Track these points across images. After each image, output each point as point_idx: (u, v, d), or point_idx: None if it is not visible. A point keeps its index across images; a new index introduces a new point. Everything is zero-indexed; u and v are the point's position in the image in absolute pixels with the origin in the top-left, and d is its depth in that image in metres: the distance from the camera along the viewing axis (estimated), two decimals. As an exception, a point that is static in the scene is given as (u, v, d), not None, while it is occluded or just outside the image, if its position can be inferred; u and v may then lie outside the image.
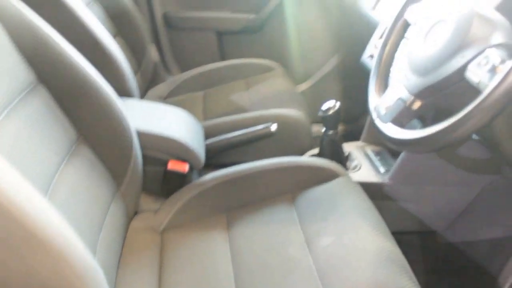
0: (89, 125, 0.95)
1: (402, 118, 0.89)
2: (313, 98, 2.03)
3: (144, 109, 1.27)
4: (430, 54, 0.84)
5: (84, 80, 0.93)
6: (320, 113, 1.34)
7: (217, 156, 1.43)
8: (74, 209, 0.84)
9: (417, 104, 0.87)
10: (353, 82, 2.14)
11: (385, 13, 1.57)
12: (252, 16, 2.04)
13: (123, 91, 1.34)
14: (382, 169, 1.41)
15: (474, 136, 1.01)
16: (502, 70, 0.68)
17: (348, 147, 1.51)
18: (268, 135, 1.40)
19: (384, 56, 1.05)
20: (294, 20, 2.08)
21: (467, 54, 0.77)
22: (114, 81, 1.21)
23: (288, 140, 1.49)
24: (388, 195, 1.35)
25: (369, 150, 1.52)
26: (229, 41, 2.12)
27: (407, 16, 1.01)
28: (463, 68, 0.77)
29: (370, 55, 1.42)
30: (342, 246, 0.96)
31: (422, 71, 0.85)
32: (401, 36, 1.05)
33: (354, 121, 2.09)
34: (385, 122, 0.91)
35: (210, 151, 1.36)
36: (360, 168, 1.41)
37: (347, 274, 0.89)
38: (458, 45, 0.79)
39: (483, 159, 1.23)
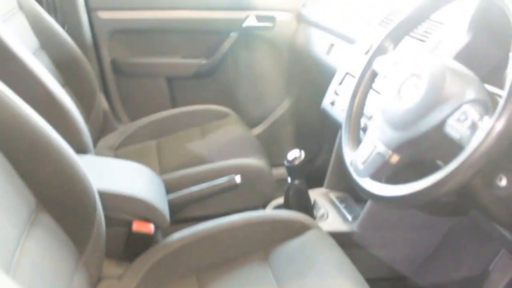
0: (49, 189, 0.87)
1: (381, 173, 0.87)
2: (268, 142, 2.02)
3: (102, 166, 1.19)
4: (406, 108, 0.83)
5: (42, 139, 0.85)
6: (285, 163, 1.32)
7: (179, 211, 1.36)
8: (38, 284, 0.75)
9: (395, 158, 0.85)
10: (306, 125, 2.16)
11: (340, 59, 1.60)
12: (203, 61, 2.01)
13: (79, 147, 1.25)
14: (349, 217, 1.40)
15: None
16: (483, 127, 0.69)
17: (313, 195, 1.49)
18: (233, 187, 1.35)
19: (354, 108, 1.04)
20: (245, 64, 2.08)
21: (445, 109, 0.78)
22: (69, 136, 1.13)
23: (252, 189, 1.45)
24: (357, 243, 1.33)
25: (334, 197, 1.50)
26: (180, 87, 2.07)
27: (376, 67, 1.01)
28: (442, 123, 0.77)
29: (331, 102, 1.42)
30: None
31: (400, 126, 0.84)
32: (369, 87, 1.05)
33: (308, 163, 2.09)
34: (363, 177, 0.89)
35: (173, 207, 1.29)
36: (327, 216, 1.39)
37: None
38: (435, 100, 0.79)
39: (450, 202, 1.24)
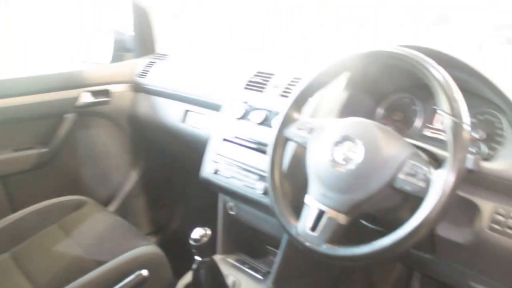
0: None
1: (336, 235, 0.92)
2: (127, 217, 1.91)
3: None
4: (349, 172, 0.90)
5: None
6: (192, 243, 1.27)
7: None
8: None
9: (346, 219, 0.92)
10: (158, 193, 2.12)
11: (203, 126, 1.62)
12: (41, 150, 1.81)
13: None
14: (259, 276, 1.41)
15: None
16: (436, 180, 0.80)
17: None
18: (143, 282, 1.25)
19: (277, 182, 1.07)
20: (87, 145, 1.95)
21: (391, 167, 0.87)
22: None
23: (156, 276, 1.36)
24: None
25: (233, 261, 1.50)
26: (18, 184, 1.81)
27: (289, 135, 1.07)
28: (393, 180, 0.86)
29: (214, 171, 1.42)
30: None
31: (346, 189, 0.91)
32: (283, 155, 1.09)
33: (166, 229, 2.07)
34: (321, 244, 0.93)
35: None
36: (240, 284, 1.38)
37: None
38: (378, 160, 0.88)
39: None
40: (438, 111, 0.87)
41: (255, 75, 1.46)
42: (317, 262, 1.41)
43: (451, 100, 0.82)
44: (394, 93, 1.28)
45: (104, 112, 1.94)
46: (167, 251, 1.44)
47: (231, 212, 1.52)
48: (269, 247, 1.59)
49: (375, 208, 0.93)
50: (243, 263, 1.49)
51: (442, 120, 0.84)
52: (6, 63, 2.10)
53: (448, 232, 0.99)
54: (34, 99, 1.76)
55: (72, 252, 1.42)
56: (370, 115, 1.29)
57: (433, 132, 1.19)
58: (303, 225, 0.97)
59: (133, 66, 1.99)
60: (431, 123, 1.19)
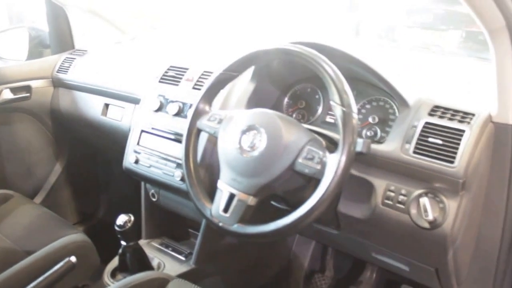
0: None
1: (246, 215, 1.04)
2: (54, 209, 1.95)
3: None
4: (254, 158, 1.02)
5: None
6: (117, 229, 1.36)
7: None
8: None
9: (255, 200, 1.03)
10: (84, 182, 2.17)
11: (125, 118, 1.70)
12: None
13: None
14: (181, 257, 1.52)
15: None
16: (330, 162, 0.93)
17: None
18: (71, 268, 1.32)
19: (192, 168, 1.17)
20: (9, 140, 1.96)
21: (291, 152, 0.99)
22: None
23: (83, 263, 1.43)
24: (200, 276, 1.47)
25: (157, 244, 1.60)
26: None
27: (201, 126, 1.17)
28: (292, 164, 0.99)
29: (135, 160, 1.50)
30: None
31: (253, 173, 1.02)
32: (197, 146, 1.20)
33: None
34: (233, 224, 1.05)
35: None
36: (164, 265, 1.48)
37: None
38: (279, 147, 1.00)
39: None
40: (330, 102, 0.99)
41: (169, 69, 1.54)
42: (236, 242, 1.54)
43: (341, 93, 0.96)
44: (298, 83, 1.41)
45: (25, 108, 1.96)
46: (94, 239, 1.52)
47: (153, 199, 1.61)
48: (191, 230, 1.69)
49: (282, 190, 1.05)
50: (167, 246, 1.59)
51: (334, 110, 0.97)
52: None
53: (349, 209, 1.14)
54: None
55: (0, 244, 1.46)
56: (277, 104, 1.41)
57: (333, 118, 1.33)
58: (217, 207, 1.07)
59: (52, 62, 2.02)
60: (332, 110, 1.34)
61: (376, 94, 1.25)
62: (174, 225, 1.66)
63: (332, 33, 2.88)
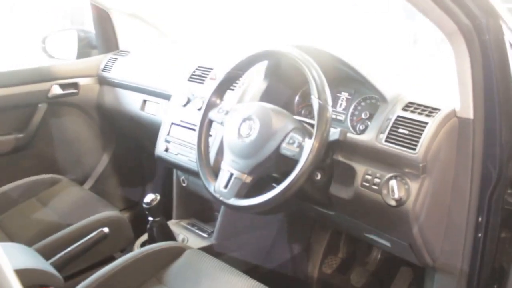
0: None
1: (242, 191, 1.23)
2: (103, 193, 2.19)
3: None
4: (249, 143, 1.22)
5: None
6: (145, 206, 1.58)
7: (67, 269, 1.48)
8: None
9: (249, 179, 1.23)
10: (129, 171, 2.40)
11: (158, 113, 1.91)
12: (19, 135, 2.08)
13: None
14: (204, 235, 1.72)
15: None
16: (307, 146, 1.11)
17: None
18: (104, 237, 1.54)
19: (202, 152, 1.37)
20: (59, 130, 2.22)
21: (277, 138, 1.19)
22: None
23: (116, 236, 1.65)
24: (218, 251, 1.66)
25: (185, 224, 1.81)
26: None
27: (212, 117, 1.37)
28: (278, 147, 1.18)
29: (165, 149, 1.72)
30: None
31: (248, 155, 1.22)
32: (208, 134, 1.40)
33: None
34: (230, 198, 1.24)
35: (59, 268, 1.42)
36: (187, 240, 1.69)
37: None
38: (268, 134, 1.20)
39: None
40: (311, 96, 1.17)
41: (197, 69, 1.75)
42: (255, 223, 1.73)
43: (319, 89, 1.14)
44: (306, 83, 1.58)
45: (74, 103, 2.22)
46: (140, 225, 1.73)
47: (183, 184, 1.82)
48: (217, 213, 1.89)
49: (276, 171, 1.24)
50: (193, 225, 1.80)
51: (313, 103, 1.15)
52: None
53: (337, 191, 1.31)
54: (9, 91, 2.03)
55: (46, 218, 1.71)
56: (289, 102, 1.59)
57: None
58: (219, 184, 1.28)
59: (98, 61, 2.27)
60: (335, 106, 1.50)
61: (370, 93, 1.40)
62: (202, 208, 1.86)
63: (389, 42, 3.00)
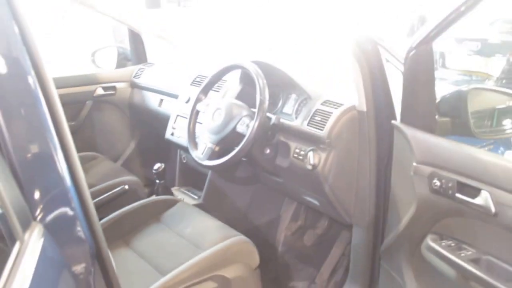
0: None
1: (212, 156, 1.85)
2: (131, 169, 2.84)
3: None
4: (218, 124, 1.83)
5: None
6: (153, 171, 2.22)
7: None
8: None
9: (217, 148, 1.85)
10: (151, 153, 3.07)
11: (170, 108, 2.56)
12: (71, 123, 2.79)
13: None
14: (196, 197, 2.35)
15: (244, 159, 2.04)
16: (251, 125, 1.72)
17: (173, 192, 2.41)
18: (124, 192, 2.18)
19: (190, 131, 2.00)
20: (100, 121, 2.92)
21: (234, 121, 1.80)
22: None
23: (131, 195, 2.28)
24: (204, 209, 2.28)
25: (183, 189, 2.45)
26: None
27: (198, 108, 2.01)
28: (235, 127, 1.79)
29: (172, 133, 2.37)
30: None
31: (216, 132, 1.84)
32: (196, 120, 2.03)
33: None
34: (204, 160, 1.86)
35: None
36: (183, 200, 2.31)
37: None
38: (229, 118, 1.81)
39: (249, 175, 2.29)
40: (256, 94, 1.77)
41: (197, 77, 2.39)
42: (234, 192, 2.34)
43: (261, 90, 1.73)
44: (270, 87, 2.19)
45: (111, 101, 2.92)
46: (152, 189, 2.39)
47: (184, 161, 2.46)
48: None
49: (232, 143, 1.85)
50: (188, 190, 2.44)
51: (257, 98, 1.75)
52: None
53: (280, 161, 1.89)
54: (66, 91, 2.75)
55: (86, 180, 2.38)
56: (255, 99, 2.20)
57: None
58: (198, 152, 1.90)
59: (131, 70, 2.97)
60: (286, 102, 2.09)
61: (305, 94, 1.99)
62: (196, 179, 2.49)
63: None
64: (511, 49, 5.84)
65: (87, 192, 1.05)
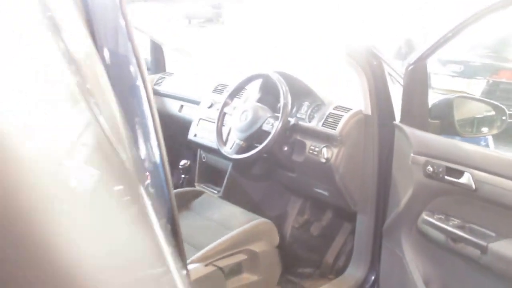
0: None
1: (239, 151, 2.18)
2: None
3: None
4: (245, 123, 2.16)
5: None
6: (180, 166, 2.53)
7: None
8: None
9: (244, 144, 2.18)
10: (174, 153, 3.36)
11: (191, 113, 2.88)
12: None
13: None
14: (215, 191, 2.66)
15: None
16: (275, 125, 2.06)
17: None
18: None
19: (218, 131, 2.33)
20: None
21: (260, 121, 2.13)
22: None
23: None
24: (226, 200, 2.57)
25: (203, 186, 2.75)
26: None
27: (226, 111, 2.33)
28: (261, 125, 2.12)
29: (194, 135, 2.68)
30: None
31: (244, 130, 2.17)
32: (223, 121, 2.35)
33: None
34: (232, 154, 2.19)
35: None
36: (204, 193, 2.62)
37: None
38: (256, 119, 2.14)
39: (263, 172, 2.60)
40: (280, 98, 2.10)
41: (218, 85, 2.72)
42: (252, 181, 2.65)
43: (284, 95, 2.08)
44: None
45: None
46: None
47: (203, 160, 2.77)
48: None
49: (257, 140, 2.17)
50: (207, 187, 2.74)
51: (280, 102, 2.08)
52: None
53: (297, 157, 2.22)
54: None
55: None
56: (274, 104, 2.53)
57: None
58: (227, 148, 2.23)
59: (152, 79, 3.27)
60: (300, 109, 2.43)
61: (318, 101, 2.33)
62: (215, 176, 2.79)
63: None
64: (490, 72, 6.32)
65: (167, 165, 1.34)
